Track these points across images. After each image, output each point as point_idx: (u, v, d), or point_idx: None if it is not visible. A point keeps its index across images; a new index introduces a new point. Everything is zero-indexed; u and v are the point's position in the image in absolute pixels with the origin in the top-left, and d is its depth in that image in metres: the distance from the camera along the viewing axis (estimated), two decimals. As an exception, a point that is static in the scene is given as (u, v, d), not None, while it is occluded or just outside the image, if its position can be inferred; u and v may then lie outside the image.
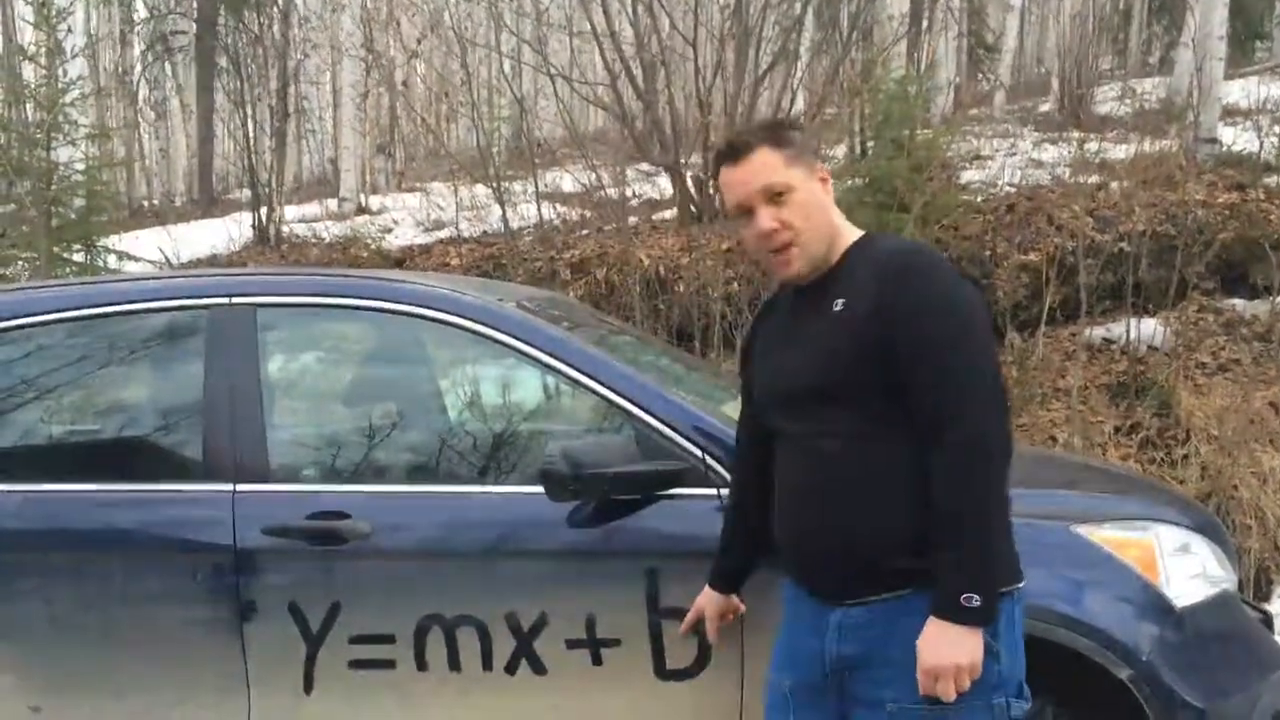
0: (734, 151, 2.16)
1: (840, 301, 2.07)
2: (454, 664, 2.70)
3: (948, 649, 1.94)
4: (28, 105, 8.85)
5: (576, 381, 2.83)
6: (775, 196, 2.11)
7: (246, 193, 11.56)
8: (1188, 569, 2.73)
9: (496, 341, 2.88)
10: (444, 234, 9.65)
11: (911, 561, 2.01)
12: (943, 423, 1.95)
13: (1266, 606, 4.43)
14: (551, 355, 2.84)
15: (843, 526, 2.08)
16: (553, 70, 9.01)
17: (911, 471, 2.00)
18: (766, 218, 2.11)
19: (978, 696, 1.99)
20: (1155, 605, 2.63)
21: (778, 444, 2.24)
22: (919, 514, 1.99)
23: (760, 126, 2.25)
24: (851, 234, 2.19)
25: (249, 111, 11.43)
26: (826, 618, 2.13)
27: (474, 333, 2.89)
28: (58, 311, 3.04)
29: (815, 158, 2.20)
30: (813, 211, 2.13)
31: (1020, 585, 2.08)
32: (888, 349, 1.99)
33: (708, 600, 2.53)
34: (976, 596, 1.92)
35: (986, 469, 1.95)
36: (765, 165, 2.11)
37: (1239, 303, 7.19)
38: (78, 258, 8.29)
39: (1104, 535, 2.66)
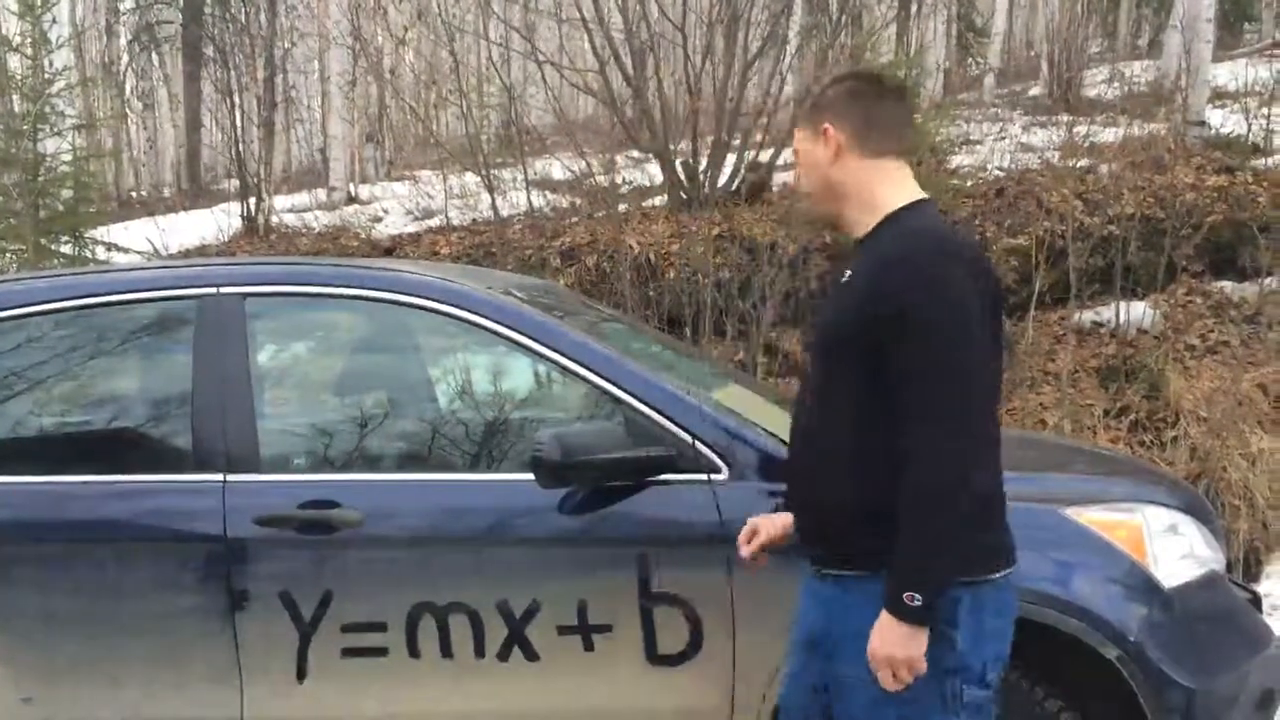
0: None
1: (849, 273, 2.15)
2: (446, 651, 2.71)
3: (889, 643, 1.97)
4: (13, 96, 8.79)
5: (567, 369, 2.83)
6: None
7: (235, 183, 11.51)
8: (1176, 549, 2.74)
9: (487, 329, 2.88)
10: (434, 222, 9.60)
11: (873, 541, 2.00)
12: (907, 418, 1.97)
13: (1255, 587, 4.46)
14: (542, 343, 2.85)
15: (814, 477, 2.13)
16: (541, 57, 8.97)
17: (878, 449, 2.00)
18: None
19: (929, 679, 1.99)
20: (1143, 586, 2.65)
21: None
22: (879, 492, 1.98)
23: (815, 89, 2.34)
24: (894, 201, 2.13)
25: (236, 101, 11.36)
26: (811, 581, 2.19)
27: (464, 321, 2.90)
28: (46, 303, 3.03)
29: (824, 114, 2.16)
30: (807, 170, 2.21)
31: (993, 576, 2.06)
32: (873, 331, 2.00)
33: (770, 522, 2.34)
34: (918, 596, 1.93)
35: (936, 471, 1.93)
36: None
37: (1227, 285, 7.21)
38: (65, 249, 8.25)
39: (1092, 517, 2.68)
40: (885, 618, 1.97)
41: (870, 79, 2.24)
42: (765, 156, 8.18)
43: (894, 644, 1.96)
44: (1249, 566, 5.41)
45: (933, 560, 1.96)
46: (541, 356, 2.86)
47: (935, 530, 1.94)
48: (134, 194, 17.11)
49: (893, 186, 2.14)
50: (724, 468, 2.69)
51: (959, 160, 8.63)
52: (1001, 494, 2.11)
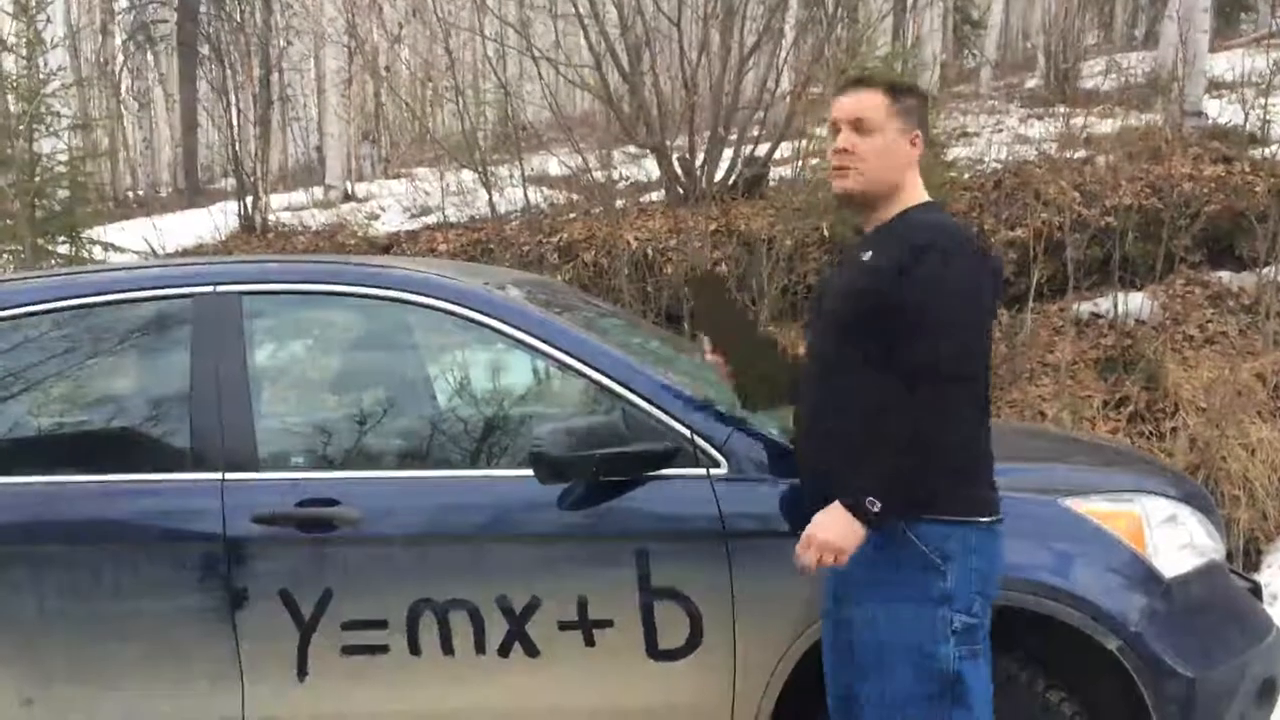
0: (855, 82, 2.48)
1: (869, 254, 2.35)
2: (447, 648, 2.71)
3: (829, 528, 2.20)
4: (9, 97, 8.77)
5: (565, 364, 2.83)
6: (861, 127, 2.37)
7: (232, 182, 11.51)
8: (1175, 540, 2.75)
9: (484, 326, 2.88)
10: (431, 220, 9.61)
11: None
12: (915, 375, 2.19)
13: (1255, 576, 4.47)
14: (540, 338, 2.84)
15: (824, 445, 2.37)
16: (537, 53, 8.95)
17: (876, 407, 2.22)
18: (843, 139, 2.39)
19: (924, 607, 2.25)
20: (1143, 576, 2.64)
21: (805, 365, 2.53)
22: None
23: (886, 77, 2.59)
24: (916, 199, 2.41)
25: (233, 100, 11.36)
26: None
27: (462, 317, 2.89)
28: (43, 302, 3.02)
29: (916, 123, 2.42)
30: (886, 157, 2.38)
31: (980, 519, 2.28)
32: (893, 302, 2.23)
33: None
34: (879, 504, 2.18)
35: (929, 404, 2.18)
36: (871, 103, 2.38)
37: (1225, 275, 7.20)
38: (62, 249, 8.24)
39: (1092, 507, 2.68)
40: (838, 508, 2.21)
41: (923, 91, 2.54)
42: (762, 151, 8.17)
43: (835, 531, 2.20)
44: (1249, 556, 5.41)
45: (902, 486, 2.20)
46: (540, 352, 2.86)
47: (910, 466, 2.19)
48: (130, 194, 17.11)
49: (917, 185, 2.43)
50: (723, 462, 2.69)
51: (956, 152, 8.62)
52: (988, 455, 2.34)
